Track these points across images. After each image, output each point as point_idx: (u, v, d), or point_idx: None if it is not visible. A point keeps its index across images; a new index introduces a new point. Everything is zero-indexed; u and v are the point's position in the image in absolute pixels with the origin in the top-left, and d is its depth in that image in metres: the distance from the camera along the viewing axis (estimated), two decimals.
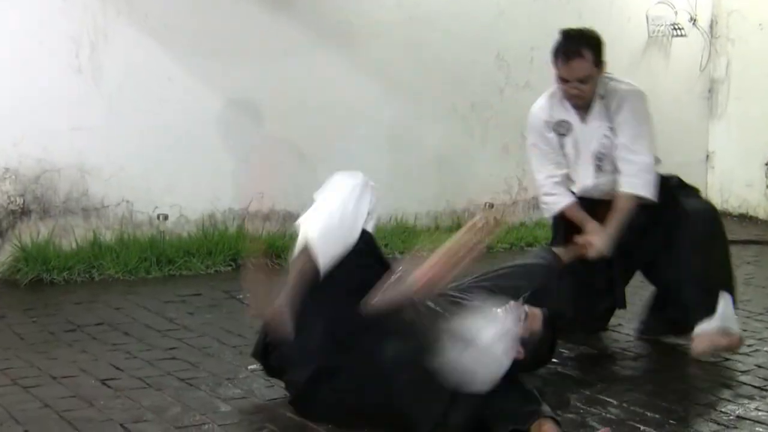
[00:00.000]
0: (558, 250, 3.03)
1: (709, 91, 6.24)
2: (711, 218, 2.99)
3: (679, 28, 6.02)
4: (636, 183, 2.93)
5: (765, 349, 3.10)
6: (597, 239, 2.95)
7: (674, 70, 6.05)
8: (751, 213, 6.06)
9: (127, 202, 4.22)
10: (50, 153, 4.03)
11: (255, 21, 4.54)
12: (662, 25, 5.98)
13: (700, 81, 6.21)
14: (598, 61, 2.94)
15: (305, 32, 4.70)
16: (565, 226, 3.11)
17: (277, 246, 4.30)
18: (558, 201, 3.09)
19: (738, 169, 6.06)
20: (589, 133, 3.01)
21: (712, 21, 6.25)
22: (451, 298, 2.51)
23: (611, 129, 2.97)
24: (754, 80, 5.96)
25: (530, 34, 5.47)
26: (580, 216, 3.03)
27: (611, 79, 3.01)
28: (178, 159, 4.33)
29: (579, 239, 2.98)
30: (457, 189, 5.26)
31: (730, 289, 2.96)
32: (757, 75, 5.94)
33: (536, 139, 3.12)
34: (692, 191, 3.11)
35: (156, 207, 4.28)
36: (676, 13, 6.03)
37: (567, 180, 3.10)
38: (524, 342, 2.42)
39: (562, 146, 3.07)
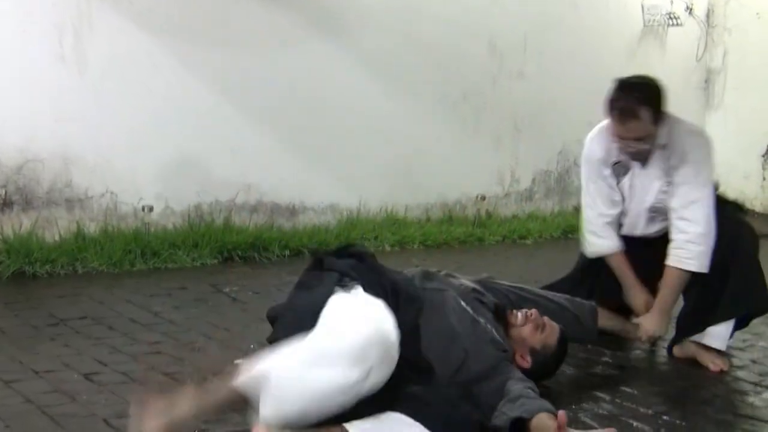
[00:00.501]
0: (603, 314, 2.82)
1: (706, 81, 6.21)
2: (737, 239, 2.77)
3: (675, 18, 5.98)
4: (684, 257, 2.74)
5: (761, 344, 3.08)
6: (649, 322, 2.83)
7: (670, 60, 6.01)
8: (748, 205, 6.04)
9: (112, 193, 4.16)
10: (33, 143, 3.96)
11: (244, 8, 4.47)
12: (658, 15, 5.94)
13: (697, 71, 6.17)
14: (658, 118, 2.71)
15: (295, 20, 4.64)
16: (605, 269, 2.94)
17: (264, 238, 4.27)
18: (605, 245, 2.91)
19: (735, 161, 6.02)
20: (647, 182, 2.82)
21: (708, 10, 6.20)
22: (475, 294, 2.49)
23: (669, 184, 2.77)
24: (752, 70, 5.92)
25: (524, 21, 5.42)
26: (623, 269, 2.88)
27: (674, 125, 2.78)
28: (163, 149, 4.27)
29: (635, 320, 2.89)
30: (449, 181, 5.22)
31: (748, 312, 2.84)
32: (754, 65, 5.90)
33: (592, 173, 2.91)
34: (731, 208, 2.94)
35: (141, 198, 4.22)
36: (671, 2, 5.98)
37: (617, 219, 2.93)
38: (534, 352, 2.44)
39: (618, 185, 2.88)
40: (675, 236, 2.76)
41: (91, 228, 4.05)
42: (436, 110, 5.15)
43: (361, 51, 4.86)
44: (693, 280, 2.78)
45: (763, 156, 5.96)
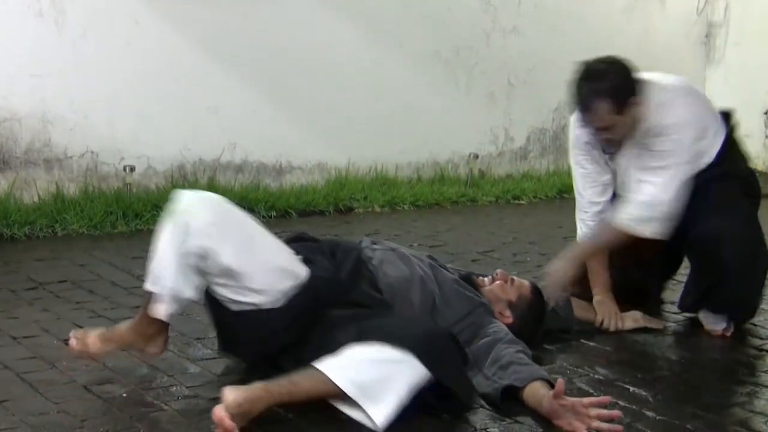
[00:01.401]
0: (578, 305, 2.74)
1: (707, 36, 6.09)
2: (747, 241, 2.60)
3: None
4: (628, 214, 2.60)
5: (763, 306, 3.00)
6: (602, 313, 2.74)
7: (670, 13, 5.89)
8: (750, 165, 5.97)
9: (92, 152, 4.08)
10: (10, 101, 3.88)
11: None
12: None
13: (697, 25, 6.05)
14: (622, 107, 2.54)
15: None
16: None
17: (250, 199, 4.20)
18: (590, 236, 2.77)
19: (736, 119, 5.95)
20: (631, 160, 2.67)
21: None
22: (431, 261, 2.47)
23: (650, 158, 2.62)
24: (754, 25, 5.80)
25: None
26: (596, 267, 2.75)
27: (653, 102, 2.58)
28: (145, 107, 4.17)
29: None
30: (441, 139, 5.14)
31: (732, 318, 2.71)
32: (757, 19, 5.78)
33: (581, 157, 2.77)
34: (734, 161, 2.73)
35: (122, 158, 4.14)
36: None
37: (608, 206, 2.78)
38: (511, 305, 2.44)
39: (608, 164, 2.75)
40: (632, 193, 2.64)
41: (71, 189, 3.98)
42: (427, 67, 5.04)
43: (349, 5, 4.74)
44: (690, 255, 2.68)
45: (766, 113, 5.86)
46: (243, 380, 2.20)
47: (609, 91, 2.52)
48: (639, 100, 2.57)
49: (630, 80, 2.57)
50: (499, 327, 2.31)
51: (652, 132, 2.60)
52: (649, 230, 2.61)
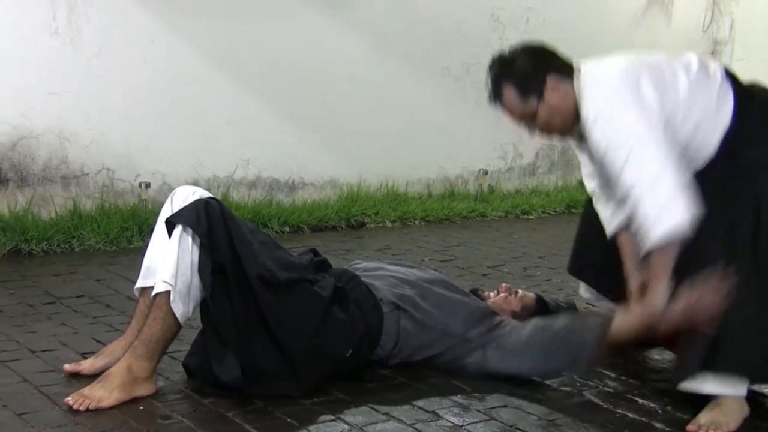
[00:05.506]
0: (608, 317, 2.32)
1: (712, 53, 6.10)
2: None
3: None
4: (620, 219, 2.31)
5: None
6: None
7: (675, 30, 5.91)
8: None
9: (108, 169, 4.11)
10: (28, 119, 3.91)
11: None
12: None
13: (703, 42, 6.07)
14: (528, 92, 2.22)
15: None
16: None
17: (263, 215, 4.23)
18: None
19: None
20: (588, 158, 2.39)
21: None
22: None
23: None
24: (759, 42, 5.81)
25: None
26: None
27: (582, 87, 2.22)
28: (160, 124, 4.21)
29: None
30: (451, 155, 5.16)
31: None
32: (762, 36, 5.79)
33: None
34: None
35: (138, 175, 4.17)
36: None
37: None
38: (516, 316, 2.50)
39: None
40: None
41: (88, 205, 4.01)
42: (437, 83, 5.07)
43: (361, 22, 4.77)
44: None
45: None
46: (261, 392, 2.23)
47: (512, 74, 2.25)
48: (554, 85, 2.23)
49: (539, 63, 2.26)
50: (513, 324, 2.40)
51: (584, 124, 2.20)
52: (658, 234, 2.07)
